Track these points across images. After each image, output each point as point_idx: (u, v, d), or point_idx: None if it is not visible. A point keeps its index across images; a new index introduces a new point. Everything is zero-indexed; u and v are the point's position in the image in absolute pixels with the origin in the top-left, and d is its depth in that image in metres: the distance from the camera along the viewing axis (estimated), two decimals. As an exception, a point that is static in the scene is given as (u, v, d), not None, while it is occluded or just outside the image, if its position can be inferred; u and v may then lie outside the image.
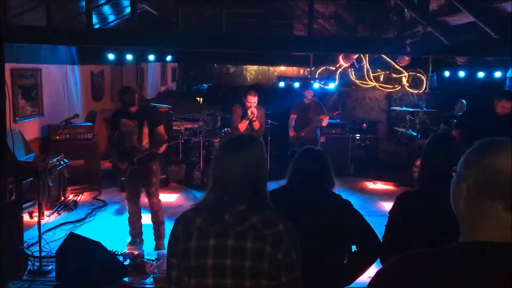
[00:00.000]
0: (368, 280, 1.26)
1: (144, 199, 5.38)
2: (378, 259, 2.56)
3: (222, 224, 1.85)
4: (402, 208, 2.43)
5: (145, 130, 5.10)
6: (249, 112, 6.23)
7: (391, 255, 2.41)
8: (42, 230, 5.01)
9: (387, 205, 7.19)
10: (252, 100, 6.25)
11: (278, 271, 1.83)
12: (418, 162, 8.60)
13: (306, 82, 9.27)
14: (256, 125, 6.37)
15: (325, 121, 7.35)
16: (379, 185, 8.25)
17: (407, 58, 8.38)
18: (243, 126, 6.33)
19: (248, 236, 1.82)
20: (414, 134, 8.52)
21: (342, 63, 8.49)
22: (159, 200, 5.35)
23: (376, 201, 7.48)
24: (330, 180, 2.66)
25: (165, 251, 2.24)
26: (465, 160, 1.18)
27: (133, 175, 5.16)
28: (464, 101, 8.39)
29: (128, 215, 5.45)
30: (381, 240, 2.53)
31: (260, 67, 13.21)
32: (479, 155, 1.15)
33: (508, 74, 8.56)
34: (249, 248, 1.81)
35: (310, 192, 2.57)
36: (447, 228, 2.13)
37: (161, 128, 5.21)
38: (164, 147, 5.21)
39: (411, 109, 8.75)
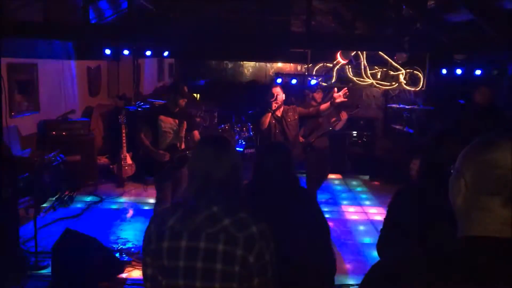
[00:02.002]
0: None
1: None
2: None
3: (195, 226, 1.83)
4: (401, 203, 2.43)
5: (183, 131, 5.09)
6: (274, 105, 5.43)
7: (388, 249, 2.44)
8: (38, 225, 4.99)
9: (383, 202, 7.22)
10: (277, 91, 5.45)
11: (249, 274, 1.81)
12: (415, 160, 8.54)
13: (314, 83, 8.65)
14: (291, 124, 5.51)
15: (342, 123, 6.28)
16: (375, 182, 8.27)
17: (405, 55, 8.38)
18: (265, 119, 5.46)
19: (220, 238, 1.80)
20: (411, 131, 8.52)
21: (340, 60, 8.48)
22: None
23: (372, 198, 7.49)
24: (292, 175, 2.64)
25: None
26: (464, 155, 1.18)
27: (165, 177, 5.04)
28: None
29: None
30: (379, 233, 2.52)
31: (257, 64, 13.16)
32: (477, 150, 1.15)
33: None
34: (220, 250, 1.79)
35: (274, 189, 2.53)
36: (445, 225, 2.15)
37: (196, 134, 5.26)
38: None
39: (408, 107, 8.75)
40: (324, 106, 5.62)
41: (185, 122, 5.09)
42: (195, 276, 1.81)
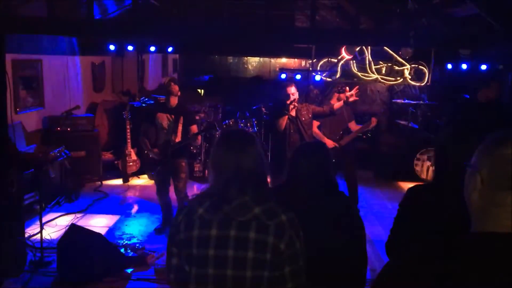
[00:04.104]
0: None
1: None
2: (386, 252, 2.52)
3: (225, 214, 1.85)
4: (413, 201, 2.38)
5: (180, 127, 5.25)
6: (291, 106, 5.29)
7: (398, 247, 2.40)
8: (43, 221, 5.02)
9: (387, 198, 7.20)
10: (292, 91, 5.33)
11: (281, 262, 1.82)
12: (419, 155, 8.55)
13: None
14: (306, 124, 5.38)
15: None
16: (380, 178, 8.25)
17: (410, 50, 8.34)
18: (282, 122, 5.31)
19: (251, 226, 1.82)
20: (416, 126, 8.49)
21: (345, 55, 8.45)
22: (187, 196, 5.39)
23: (377, 193, 7.47)
24: (332, 180, 2.52)
25: None
26: (479, 151, 1.18)
27: (164, 169, 5.30)
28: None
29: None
30: (389, 232, 2.47)
31: (261, 59, 13.14)
32: (494, 146, 1.14)
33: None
34: (252, 238, 1.81)
35: (310, 190, 2.44)
36: (458, 226, 2.11)
37: (194, 128, 5.38)
38: (199, 138, 5.35)
39: (413, 102, 8.72)
40: (337, 105, 5.57)
41: (181, 118, 5.22)
42: (226, 264, 1.82)
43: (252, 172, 1.90)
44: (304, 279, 1.90)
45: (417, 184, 2.54)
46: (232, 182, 1.88)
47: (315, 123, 6.10)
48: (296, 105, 5.32)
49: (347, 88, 5.75)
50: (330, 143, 5.79)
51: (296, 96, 5.34)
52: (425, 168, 7.89)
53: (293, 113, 5.34)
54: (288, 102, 5.26)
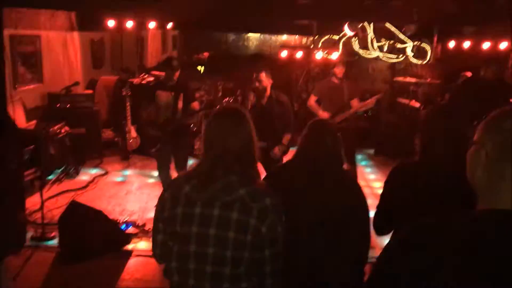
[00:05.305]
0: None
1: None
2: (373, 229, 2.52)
3: (210, 193, 1.85)
4: (398, 178, 2.39)
5: (180, 104, 5.17)
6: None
7: (384, 224, 2.42)
8: (44, 197, 5.02)
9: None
10: (262, 77, 4.88)
11: (261, 244, 1.83)
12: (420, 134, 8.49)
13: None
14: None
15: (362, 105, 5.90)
16: (380, 156, 8.24)
17: (413, 27, 8.24)
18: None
19: (235, 207, 1.82)
20: (417, 105, 8.45)
21: (347, 31, 8.35)
22: None
23: (377, 172, 7.48)
24: (341, 158, 2.58)
25: None
26: (484, 126, 1.16)
27: (164, 147, 5.30)
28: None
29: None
30: (376, 209, 2.49)
31: (261, 36, 13.01)
32: (499, 120, 1.14)
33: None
34: (234, 219, 1.81)
35: (321, 168, 2.46)
36: (443, 201, 2.12)
37: (195, 105, 5.32)
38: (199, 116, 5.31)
39: (414, 80, 8.65)
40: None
41: (181, 95, 5.16)
42: (207, 243, 1.83)
43: (240, 152, 1.89)
44: (282, 263, 1.91)
45: (401, 161, 2.54)
46: (218, 161, 1.88)
47: (312, 97, 6.08)
48: (261, 89, 4.85)
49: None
50: (325, 116, 5.67)
51: (267, 84, 4.88)
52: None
53: (263, 101, 4.92)
54: (253, 87, 4.90)
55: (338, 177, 2.51)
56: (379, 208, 2.47)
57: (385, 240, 2.46)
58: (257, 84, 4.84)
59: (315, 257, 2.38)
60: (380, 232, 2.48)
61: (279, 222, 1.86)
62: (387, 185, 2.42)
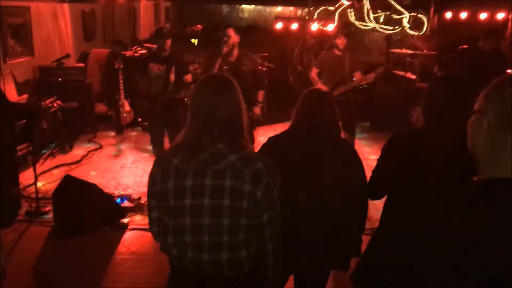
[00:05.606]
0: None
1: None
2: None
3: (200, 164, 1.80)
4: (398, 143, 2.39)
5: (172, 76, 5.07)
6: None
7: (379, 188, 2.44)
8: (38, 172, 4.99)
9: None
10: (230, 34, 4.97)
11: (258, 209, 1.81)
12: (416, 106, 8.49)
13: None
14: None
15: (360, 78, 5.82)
16: (376, 129, 8.22)
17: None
18: (216, 64, 4.99)
19: (226, 174, 1.78)
20: (413, 77, 8.39)
21: (344, 1, 8.21)
22: None
23: (372, 145, 7.47)
24: (338, 126, 2.57)
25: None
26: (486, 95, 1.15)
27: (157, 120, 5.20)
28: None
29: None
30: (372, 173, 2.49)
31: (255, 8, 12.82)
32: (500, 88, 1.12)
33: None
34: (228, 186, 1.78)
35: (318, 138, 2.45)
36: (442, 168, 2.14)
37: (188, 77, 5.22)
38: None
39: (410, 52, 8.57)
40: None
41: (173, 67, 5.06)
42: (202, 213, 1.80)
43: (227, 121, 1.83)
44: (281, 225, 1.90)
45: (399, 129, 2.53)
46: (204, 131, 1.83)
47: (314, 69, 6.05)
48: (230, 46, 4.90)
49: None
50: (323, 89, 5.57)
51: (235, 39, 4.97)
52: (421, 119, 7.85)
53: (232, 59, 5.00)
54: (224, 45, 4.92)
55: (335, 145, 2.50)
56: (375, 172, 2.47)
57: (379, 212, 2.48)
58: (225, 38, 4.91)
59: (314, 223, 2.39)
60: (375, 196, 2.51)
61: (275, 184, 1.84)
62: (385, 150, 2.42)
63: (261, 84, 5.33)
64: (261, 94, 5.20)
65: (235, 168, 1.78)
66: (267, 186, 1.80)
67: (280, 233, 1.90)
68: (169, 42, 5.04)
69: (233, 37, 4.96)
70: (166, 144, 5.40)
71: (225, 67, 4.99)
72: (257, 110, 5.08)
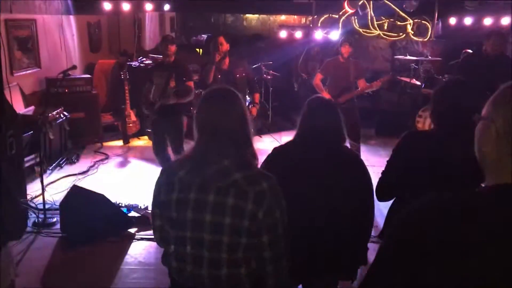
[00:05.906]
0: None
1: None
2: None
3: (205, 178, 1.80)
4: (407, 145, 2.42)
5: (172, 83, 5.07)
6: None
7: (387, 191, 2.44)
8: (45, 183, 5.01)
9: (388, 155, 7.16)
10: (223, 41, 5.22)
11: (259, 230, 1.78)
12: (421, 112, 8.49)
13: (340, 36, 8.04)
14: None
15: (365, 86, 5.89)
16: (381, 135, 8.20)
17: (414, 3, 8.12)
18: (210, 73, 5.27)
19: (230, 192, 1.77)
20: (418, 83, 8.38)
21: (347, 9, 8.23)
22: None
23: (378, 151, 7.45)
24: (343, 134, 2.56)
25: None
26: (493, 101, 1.13)
27: (157, 128, 5.22)
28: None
29: None
30: (381, 175, 2.51)
31: (260, 17, 12.86)
32: (508, 95, 1.10)
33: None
34: (230, 204, 1.76)
35: (323, 146, 2.44)
36: (449, 173, 2.15)
37: (190, 84, 5.20)
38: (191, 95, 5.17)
39: (415, 58, 8.56)
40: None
41: (173, 74, 5.08)
42: (203, 228, 1.80)
43: (233, 133, 1.83)
44: (283, 247, 1.85)
45: (411, 130, 2.55)
46: (211, 144, 1.82)
47: (318, 76, 6.11)
48: (222, 54, 5.18)
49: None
50: (327, 97, 5.64)
51: (226, 47, 5.22)
52: (427, 125, 7.83)
53: (225, 66, 5.24)
54: (217, 53, 5.15)
55: (340, 152, 2.50)
56: (385, 171, 2.49)
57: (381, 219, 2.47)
58: (218, 46, 5.15)
59: (318, 229, 2.38)
60: (383, 197, 2.51)
61: (278, 206, 1.81)
62: (396, 148, 2.45)
63: (255, 88, 5.67)
64: (257, 97, 5.58)
65: (239, 186, 1.77)
66: (269, 208, 1.77)
67: (282, 253, 1.86)
68: (173, 48, 5.07)
69: (224, 45, 5.13)
70: (170, 152, 5.39)
71: (219, 76, 5.14)
72: (253, 110, 5.43)
